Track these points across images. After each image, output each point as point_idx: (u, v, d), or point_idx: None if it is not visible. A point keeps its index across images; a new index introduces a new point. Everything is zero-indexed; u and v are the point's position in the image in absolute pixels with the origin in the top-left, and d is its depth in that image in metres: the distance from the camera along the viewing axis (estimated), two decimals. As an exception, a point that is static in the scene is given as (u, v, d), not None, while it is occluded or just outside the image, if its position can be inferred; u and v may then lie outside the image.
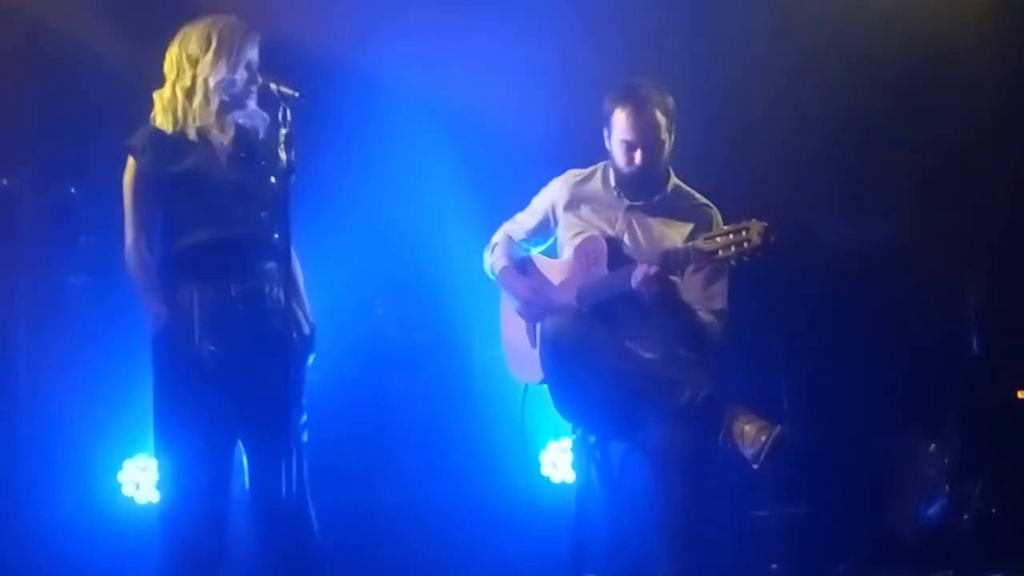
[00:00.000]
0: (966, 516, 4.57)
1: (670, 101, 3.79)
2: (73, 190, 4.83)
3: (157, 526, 3.51)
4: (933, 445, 4.77)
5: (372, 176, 5.01)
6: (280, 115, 3.39)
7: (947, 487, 4.64)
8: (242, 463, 3.51)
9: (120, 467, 4.69)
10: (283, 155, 3.36)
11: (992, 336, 4.98)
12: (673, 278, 3.60)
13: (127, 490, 4.69)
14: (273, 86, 3.43)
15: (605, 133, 3.84)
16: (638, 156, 3.77)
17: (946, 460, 4.70)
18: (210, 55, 3.48)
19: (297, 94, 3.41)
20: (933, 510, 4.67)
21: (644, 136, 3.74)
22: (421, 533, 4.87)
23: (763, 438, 3.46)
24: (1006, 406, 4.79)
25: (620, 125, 3.77)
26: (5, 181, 4.71)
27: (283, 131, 3.36)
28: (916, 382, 5.00)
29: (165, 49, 3.60)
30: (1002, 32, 5.04)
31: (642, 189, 3.83)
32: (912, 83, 5.08)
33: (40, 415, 4.66)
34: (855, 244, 5.19)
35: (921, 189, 5.10)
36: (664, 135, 3.77)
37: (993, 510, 4.55)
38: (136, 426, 4.59)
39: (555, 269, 4.01)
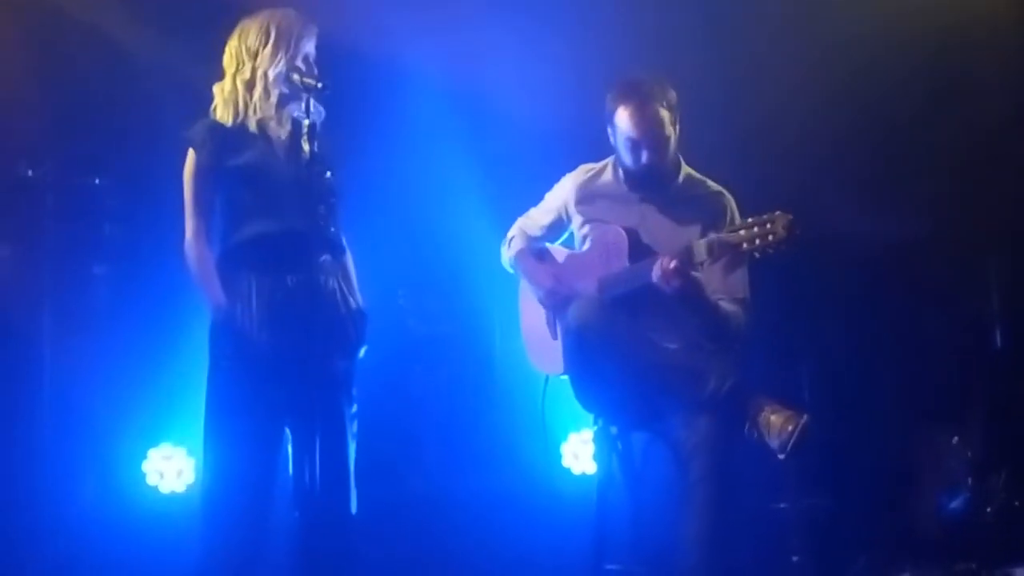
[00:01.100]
0: (989, 509, 4.55)
1: (672, 94, 3.77)
2: (97, 181, 4.85)
3: (201, 508, 3.53)
4: (956, 438, 4.76)
5: (393, 168, 5.01)
6: (303, 106, 3.41)
7: (970, 480, 4.63)
8: (286, 450, 3.53)
9: (144, 456, 4.72)
10: (306, 146, 3.38)
11: (1015, 328, 4.96)
12: (695, 273, 3.59)
13: (151, 479, 4.72)
14: (296, 77, 3.46)
15: (609, 131, 3.83)
16: (644, 155, 3.76)
17: (969, 453, 4.68)
18: (269, 48, 3.52)
19: (319, 85, 3.42)
20: (956, 503, 4.66)
21: (648, 134, 3.73)
22: (442, 524, 4.89)
23: (790, 428, 3.44)
24: (1030, 398, 4.77)
25: (623, 124, 3.75)
26: (30, 172, 4.74)
27: (306, 122, 3.38)
28: (939, 375, 4.98)
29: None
30: (1025, 23, 5.02)
31: (653, 183, 3.82)
32: (936, 74, 5.06)
33: (65, 405, 4.69)
34: (878, 236, 5.17)
35: (944, 180, 5.08)
36: (669, 130, 3.75)
37: (1016, 503, 4.53)
38: (160, 415, 4.65)
39: (574, 260, 4.00)
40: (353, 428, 3.53)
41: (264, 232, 3.48)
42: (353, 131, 4.68)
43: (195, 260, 3.50)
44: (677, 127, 3.78)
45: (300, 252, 3.46)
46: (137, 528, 4.58)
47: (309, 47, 3.57)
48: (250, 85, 3.53)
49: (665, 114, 3.73)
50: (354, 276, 3.64)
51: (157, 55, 4.75)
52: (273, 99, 3.54)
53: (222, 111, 3.56)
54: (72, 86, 4.79)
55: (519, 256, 4.06)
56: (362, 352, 3.60)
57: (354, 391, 3.55)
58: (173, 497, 4.69)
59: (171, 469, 4.71)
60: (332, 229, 3.52)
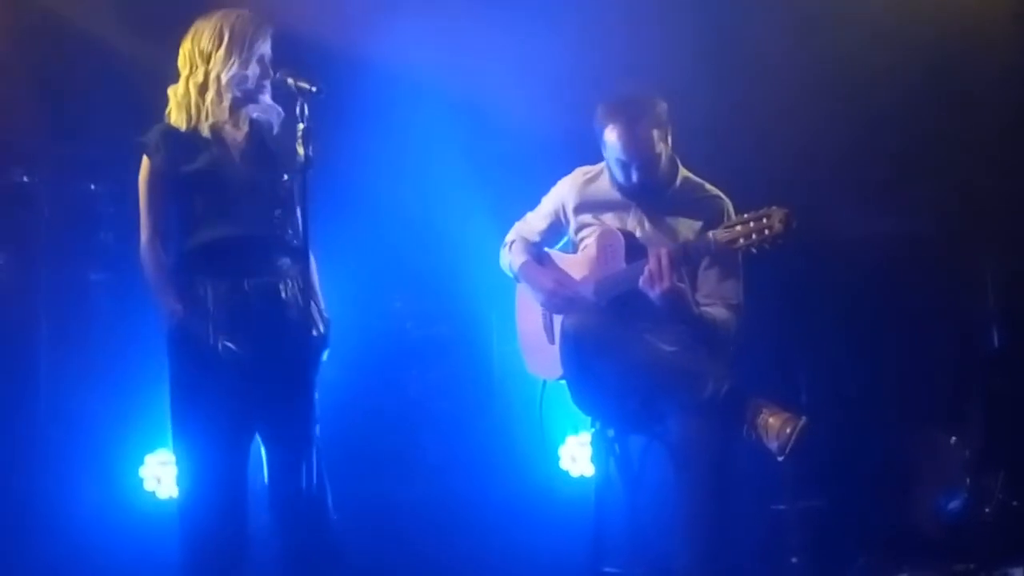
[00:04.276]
0: (987, 509, 4.54)
1: (662, 108, 3.77)
2: (93, 187, 4.85)
3: (177, 520, 3.53)
4: (954, 438, 4.75)
5: (389, 171, 5.01)
6: (297, 110, 3.39)
7: (968, 480, 4.62)
8: (260, 456, 3.52)
9: (142, 462, 4.71)
10: (301, 150, 3.36)
11: (1013, 328, 4.95)
12: (681, 284, 3.59)
13: (149, 485, 4.71)
14: (290, 80, 3.43)
15: (601, 146, 3.83)
16: (634, 174, 3.77)
17: (967, 453, 4.68)
18: (222, 50, 3.49)
19: (314, 88, 3.41)
20: (954, 503, 4.65)
21: (637, 155, 3.74)
22: (440, 527, 4.88)
23: (788, 430, 3.44)
24: (1027, 398, 4.77)
25: (612, 145, 3.76)
26: (26, 179, 4.74)
27: (300, 126, 3.36)
28: (937, 374, 4.98)
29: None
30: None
31: (648, 192, 3.83)
32: (935, 76, 5.05)
33: (61, 412, 4.69)
34: (875, 237, 5.17)
35: (942, 181, 5.08)
36: (659, 148, 3.75)
37: (1014, 503, 4.53)
38: (157, 421, 4.62)
39: (573, 264, 4.01)
40: (316, 432, 3.45)
41: (220, 237, 3.46)
42: (350, 134, 4.69)
43: (150, 266, 3.49)
44: (669, 140, 3.78)
45: (256, 256, 3.46)
46: (135, 534, 4.58)
47: (264, 48, 3.54)
48: (203, 89, 3.51)
49: (654, 133, 3.73)
50: (316, 279, 3.60)
51: (153, 61, 4.74)
52: (226, 103, 3.51)
53: (176, 115, 3.54)
54: (68, 92, 4.78)
55: (524, 268, 4.05)
56: (325, 355, 3.57)
57: (316, 395, 3.49)
58: (170, 503, 4.67)
59: (168, 475, 4.69)
60: (290, 232, 3.49)
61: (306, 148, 3.37)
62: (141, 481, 4.71)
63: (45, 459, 4.62)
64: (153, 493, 4.71)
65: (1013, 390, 4.79)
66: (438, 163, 5.04)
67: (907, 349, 5.09)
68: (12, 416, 4.61)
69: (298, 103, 3.40)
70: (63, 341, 4.70)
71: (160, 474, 4.70)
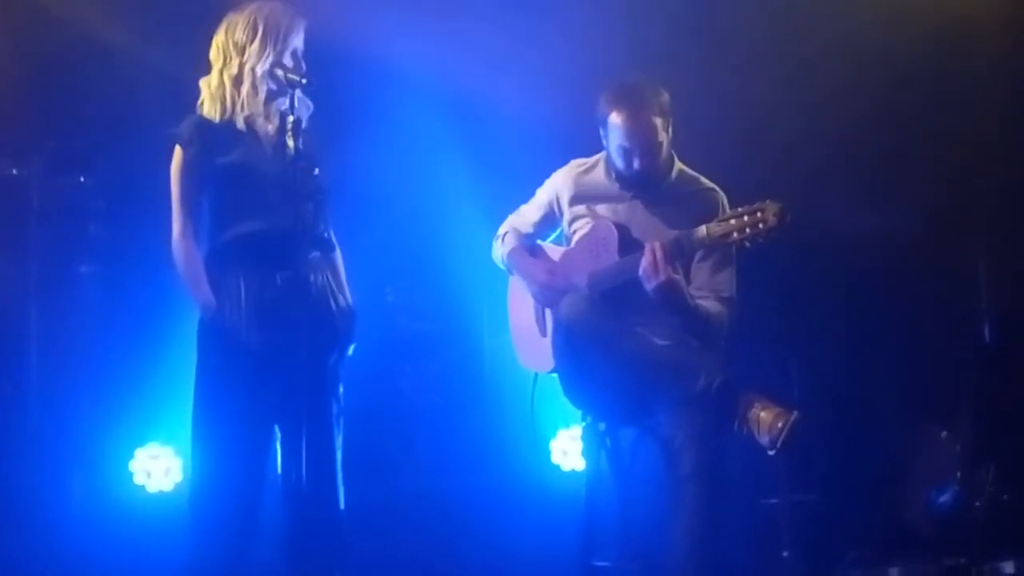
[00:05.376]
0: (978, 503, 4.55)
1: (665, 99, 3.75)
2: (83, 180, 4.83)
3: (189, 508, 3.50)
4: (945, 432, 4.76)
5: (382, 165, 5.00)
6: (288, 102, 3.39)
7: (959, 474, 4.63)
8: (274, 448, 3.52)
9: (131, 456, 4.71)
10: (290, 142, 3.36)
11: (1005, 323, 4.96)
12: (676, 276, 3.58)
13: (138, 479, 4.71)
14: (279, 72, 3.43)
15: (602, 133, 3.82)
16: (636, 162, 3.75)
17: (958, 447, 4.68)
18: (256, 43, 3.49)
19: (304, 80, 3.40)
20: (945, 497, 4.66)
21: (641, 142, 3.72)
22: (430, 521, 4.89)
23: (780, 424, 3.45)
24: (1018, 393, 4.77)
25: (616, 131, 3.74)
26: (15, 171, 4.72)
27: (290, 118, 3.36)
28: (928, 369, 4.99)
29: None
30: (1022, 20, 5.01)
31: (645, 183, 3.82)
32: (929, 71, 5.05)
33: (51, 405, 4.68)
34: (869, 232, 5.17)
35: (935, 177, 5.08)
36: (662, 136, 3.73)
37: (1005, 497, 4.53)
38: (147, 415, 4.64)
39: (565, 257, 4.00)
40: (340, 425, 3.51)
41: (252, 230, 3.46)
42: (342, 127, 4.67)
43: (182, 259, 3.48)
44: (670, 131, 3.77)
45: (289, 250, 3.43)
46: (124, 527, 4.58)
47: (297, 41, 3.54)
48: (237, 81, 3.50)
49: (658, 121, 3.71)
50: (343, 273, 3.63)
51: (142, 53, 4.74)
52: (261, 95, 3.51)
53: (209, 107, 3.53)
54: (57, 84, 4.77)
55: (512, 252, 4.05)
56: (351, 349, 3.59)
57: (341, 388, 3.54)
58: (160, 496, 4.68)
59: (158, 468, 4.70)
60: (320, 226, 3.50)
61: (296, 140, 3.37)
62: (131, 475, 4.70)
63: (35, 452, 4.61)
64: (143, 487, 4.70)
65: (1004, 385, 4.80)
66: (431, 156, 5.04)
67: (899, 344, 5.10)
68: (1, 409, 4.60)
69: (288, 95, 3.40)
70: (52, 334, 4.69)
71: (150, 468, 4.70)
